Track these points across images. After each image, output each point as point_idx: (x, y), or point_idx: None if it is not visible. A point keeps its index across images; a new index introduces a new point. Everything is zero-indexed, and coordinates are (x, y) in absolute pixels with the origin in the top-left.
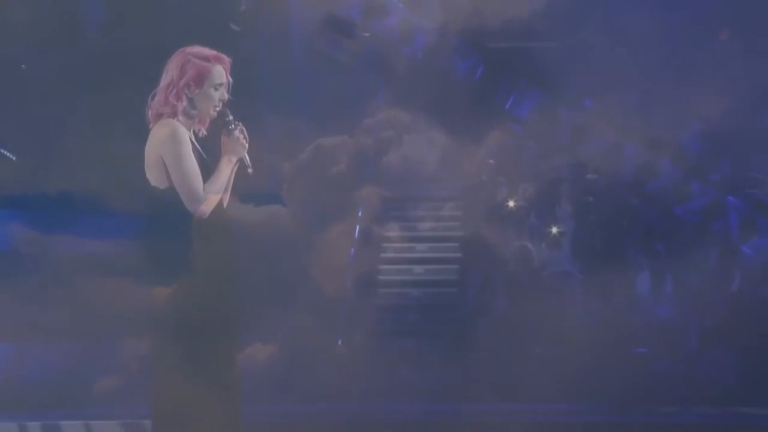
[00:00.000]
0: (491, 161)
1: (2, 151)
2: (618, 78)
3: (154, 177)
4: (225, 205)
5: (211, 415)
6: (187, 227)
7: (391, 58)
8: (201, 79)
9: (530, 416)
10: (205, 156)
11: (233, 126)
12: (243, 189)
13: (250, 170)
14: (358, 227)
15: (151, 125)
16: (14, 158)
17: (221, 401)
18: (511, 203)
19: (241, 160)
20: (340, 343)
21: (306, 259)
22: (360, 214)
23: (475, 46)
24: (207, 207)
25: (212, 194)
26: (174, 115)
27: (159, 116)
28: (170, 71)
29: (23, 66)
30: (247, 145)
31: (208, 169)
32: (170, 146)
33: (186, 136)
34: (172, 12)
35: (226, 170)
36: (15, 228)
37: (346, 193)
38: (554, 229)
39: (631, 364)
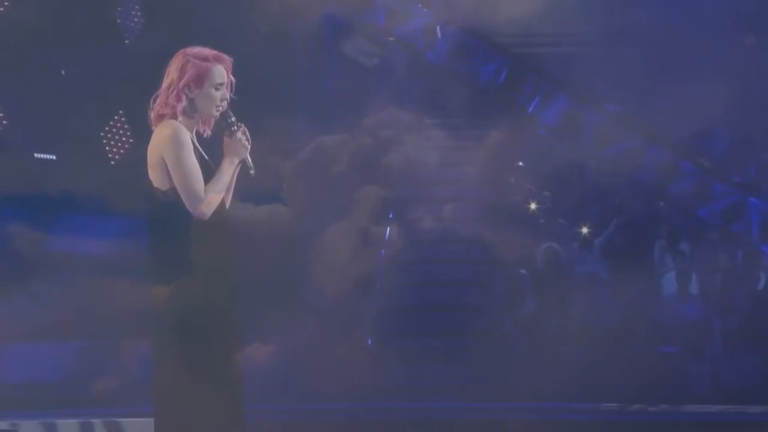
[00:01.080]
0: (520, 164)
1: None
2: (641, 81)
3: (156, 178)
4: (227, 206)
5: (219, 415)
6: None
7: (415, 62)
8: (201, 79)
9: (554, 414)
10: (207, 157)
11: (236, 127)
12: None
13: (252, 172)
14: (388, 229)
15: (153, 127)
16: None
17: (226, 401)
18: (538, 205)
19: (243, 162)
20: (369, 342)
21: (337, 259)
22: (390, 216)
23: (499, 49)
24: (208, 208)
25: (213, 195)
26: (174, 116)
27: (160, 117)
28: (170, 73)
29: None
30: (249, 147)
31: (210, 171)
32: (171, 147)
33: (187, 137)
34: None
35: (228, 172)
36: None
37: (377, 195)
38: (581, 231)
39: (657, 363)
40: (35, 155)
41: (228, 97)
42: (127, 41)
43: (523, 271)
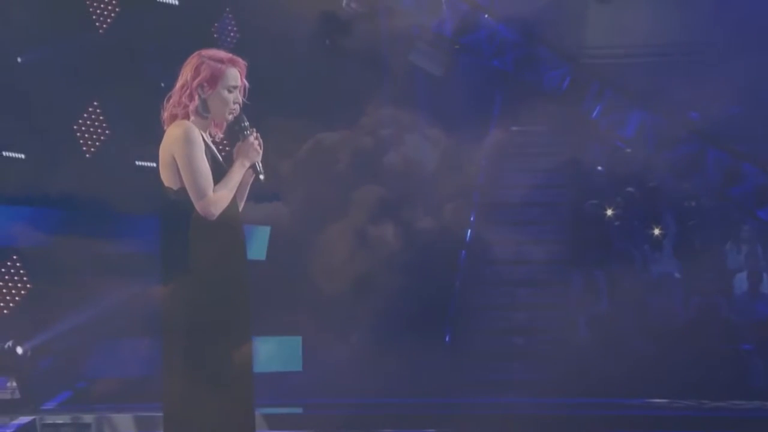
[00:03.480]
0: (599, 168)
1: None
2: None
3: (167, 177)
4: (240, 208)
5: (230, 414)
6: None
7: (481, 70)
8: (214, 79)
9: (629, 410)
10: (220, 158)
11: (249, 131)
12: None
13: (261, 177)
14: (469, 231)
15: (165, 127)
16: None
17: (237, 400)
18: (614, 208)
19: (253, 166)
20: (447, 339)
21: (418, 258)
22: (472, 218)
23: (563, 57)
24: (215, 208)
25: (222, 196)
26: (186, 116)
27: (173, 117)
28: (185, 73)
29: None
30: (261, 152)
31: (223, 172)
32: (182, 147)
33: (198, 137)
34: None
35: (238, 174)
36: None
37: (459, 198)
38: (655, 232)
39: (729, 361)
40: (136, 163)
41: (241, 100)
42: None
43: (599, 271)
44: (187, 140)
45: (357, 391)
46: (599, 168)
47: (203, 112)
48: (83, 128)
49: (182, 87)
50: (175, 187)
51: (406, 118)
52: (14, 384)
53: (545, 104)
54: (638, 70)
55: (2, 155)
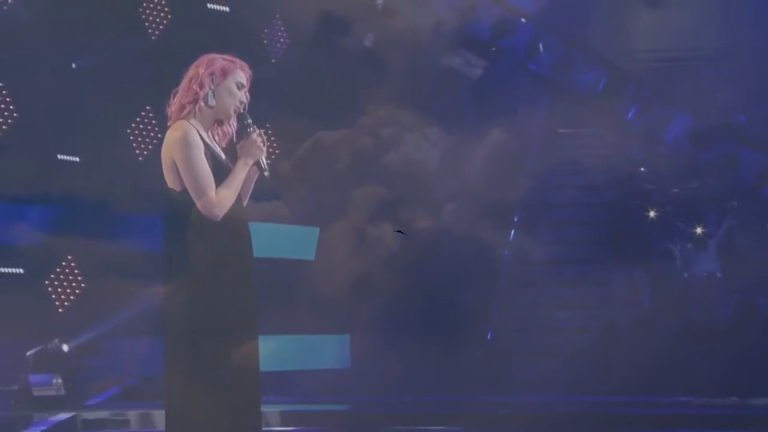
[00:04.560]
0: (642, 169)
1: None
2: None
3: (169, 179)
4: (244, 205)
5: (235, 414)
6: None
7: (517, 73)
8: (225, 72)
9: (670, 408)
10: (222, 157)
11: (252, 129)
12: None
13: (266, 174)
14: (513, 232)
15: (170, 122)
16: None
17: (242, 400)
18: (656, 208)
19: (257, 164)
20: (489, 337)
21: (461, 258)
22: (515, 219)
23: (598, 59)
24: (219, 209)
25: (226, 196)
26: (196, 102)
27: (181, 108)
28: (195, 67)
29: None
30: (264, 150)
31: (225, 171)
32: (181, 150)
33: (197, 139)
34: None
35: (242, 173)
36: None
37: (501, 198)
38: (697, 232)
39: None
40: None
41: (246, 101)
42: (273, 60)
43: (639, 271)
44: (186, 143)
45: (401, 388)
46: (641, 169)
47: (210, 100)
48: (136, 132)
49: (192, 78)
50: (177, 189)
51: (448, 120)
52: (59, 381)
53: (586, 106)
54: (675, 73)
55: (57, 158)
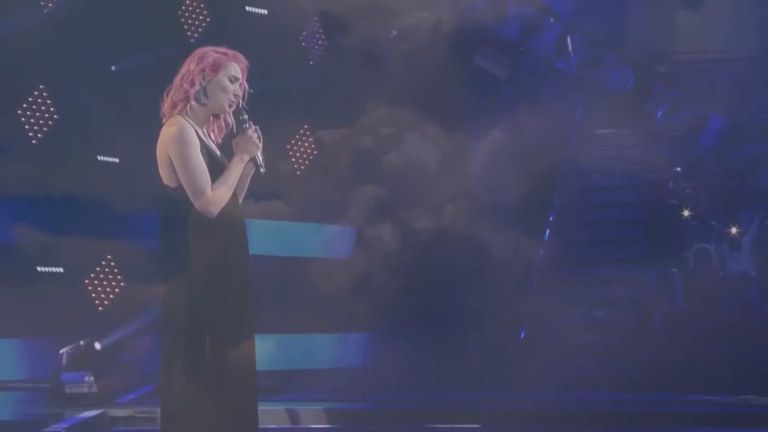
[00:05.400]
0: (678, 169)
1: None
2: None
3: (165, 176)
4: (240, 201)
5: (232, 413)
6: None
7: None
8: (216, 66)
9: (704, 407)
10: (219, 154)
11: (248, 125)
12: None
13: (262, 170)
14: (548, 231)
15: (164, 119)
16: None
17: (239, 399)
18: (692, 208)
19: (253, 160)
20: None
21: (496, 257)
22: (551, 219)
23: (627, 59)
24: (215, 206)
25: (221, 193)
26: (187, 100)
27: (173, 106)
28: (188, 63)
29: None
30: (260, 145)
31: (221, 167)
32: (176, 146)
33: (192, 135)
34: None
35: (237, 169)
36: None
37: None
38: (732, 231)
39: None
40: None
41: (241, 95)
42: (311, 62)
43: (675, 270)
44: (181, 140)
45: (432, 386)
46: (676, 168)
47: (202, 98)
48: None
49: (184, 75)
50: (172, 185)
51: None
52: (91, 378)
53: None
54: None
55: (97, 159)
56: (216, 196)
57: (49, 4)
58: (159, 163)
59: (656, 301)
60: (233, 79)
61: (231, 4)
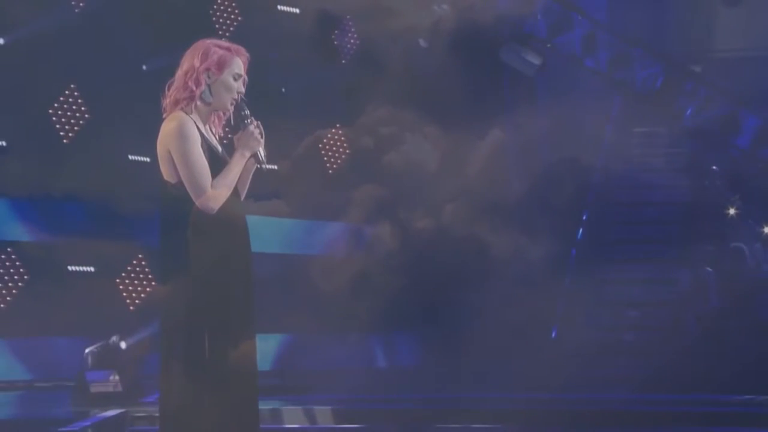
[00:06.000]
0: (714, 167)
1: None
2: None
3: (165, 172)
4: (242, 198)
5: (232, 412)
6: None
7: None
8: (222, 65)
9: (737, 407)
10: (219, 149)
11: (249, 120)
12: None
13: (264, 166)
14: (581, 230)
15: (165, 114)
16: None
17: (239, 397)
18: (726, 207)
19: (255, 156)
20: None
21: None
22: (585, 217)
23: (656, 56)
24: (215, 202)
25: (221, 189)
26: (192, 99)
27: (176, 103)
28: (190, 58)
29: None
30: (262, 141)
31: (222, 163)
32: (177, 141)
33: (193, 130)
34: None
35: (238, 165)
36: None
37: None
38: (766, 230)
39: None
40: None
41: (243, 90)
42: (343, 61)
43: (709, 269)
44: (182, 135)
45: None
46: (713, 167)
47: (207, 98)
48: None
49: (188, 72)
50: (173, 181)
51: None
52: (116, 377)
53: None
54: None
55: (128, 159)
56: (216, 192)
57: (80, 4)
58: (159, 159)
59: (690, 300)
60: (237, 77)
61: (263, 3)
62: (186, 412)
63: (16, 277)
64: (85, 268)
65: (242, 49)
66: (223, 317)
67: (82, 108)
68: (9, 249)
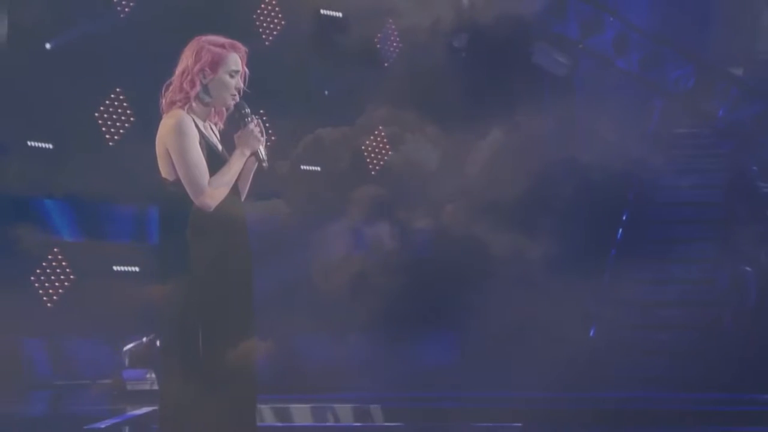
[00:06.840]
0: (755, 168)
1: None
2: None
3: (163, 169)
4: (243, 197)
5: (231, 413)
6: None
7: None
8: (216, 64)
9: None
10: (219, 147)
11: (249, 118)
12: None
13: (264, 164)
14: (621, 230)
15: (163, 115)
16: None
17: (238, 398)
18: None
19: (255, 154)
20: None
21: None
22: (624, 217)
23: (688, 57)
24: (212, 200)
25: (219, 187)
26: (187, 101)
27: (172, 104)
28: (185, 58)
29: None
30: (263, 139)
31: (222, 162)
32: (174, 138)
33: (191, 127)
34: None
35: (238, 163)
36: None
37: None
38: None
39: None
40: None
41: (242, 86)
42: (386, 64)
43: (748, 269)
44: (179, 132)
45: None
46: (753, 168)
47: (204, 98)
48: None
49: (183, 73)
50: (171, 179)
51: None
52: (153, 376)
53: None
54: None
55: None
56: (213, 189)
57: (126, 9)
58: (158, 156)
59: (729, 300)
60: (233, 74)
61: (306, 7)
62: (184, 412)
63: (62, 277)
64: (130, 269)
65: (238, 44)
66: (222, 318)
67: (128, 111)
68: (56, 249)
